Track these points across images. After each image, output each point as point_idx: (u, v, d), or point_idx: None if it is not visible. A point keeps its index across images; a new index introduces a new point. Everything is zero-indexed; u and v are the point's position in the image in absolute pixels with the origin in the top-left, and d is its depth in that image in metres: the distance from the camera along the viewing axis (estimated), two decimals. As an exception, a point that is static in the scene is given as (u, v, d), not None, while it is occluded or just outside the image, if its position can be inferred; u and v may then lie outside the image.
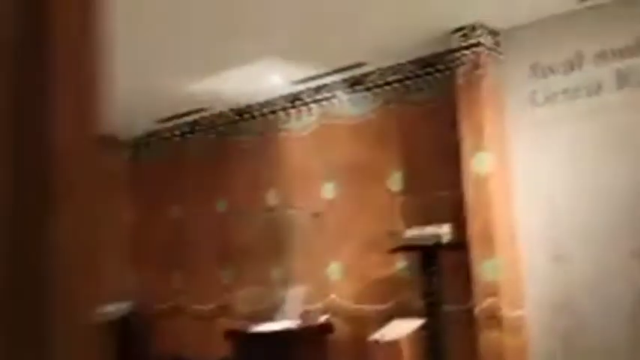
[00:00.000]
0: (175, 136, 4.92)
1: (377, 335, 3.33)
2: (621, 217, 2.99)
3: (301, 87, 4.10)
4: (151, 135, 5.05)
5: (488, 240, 3.19)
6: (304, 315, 3.82)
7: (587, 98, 3.16)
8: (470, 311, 3.25)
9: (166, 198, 4.90)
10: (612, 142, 3.06)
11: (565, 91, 3.23)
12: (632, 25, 3.04)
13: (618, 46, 3.08)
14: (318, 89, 4.12)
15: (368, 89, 3.94)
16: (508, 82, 3.40)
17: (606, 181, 3.05)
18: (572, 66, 3.23)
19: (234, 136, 4.54)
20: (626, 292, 2.95)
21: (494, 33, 3.40)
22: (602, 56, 3.13)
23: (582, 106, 3.17)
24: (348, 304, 3.91)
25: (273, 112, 4.33)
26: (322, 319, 3.84)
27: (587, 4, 3.14)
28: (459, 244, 3.31)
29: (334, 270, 3.97)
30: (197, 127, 4.77)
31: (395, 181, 3.81)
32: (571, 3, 3.16)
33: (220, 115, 4.60)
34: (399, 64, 3.79)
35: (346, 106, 4.03)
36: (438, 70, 3.65)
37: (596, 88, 3.14)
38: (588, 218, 3.08)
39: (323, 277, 4.01)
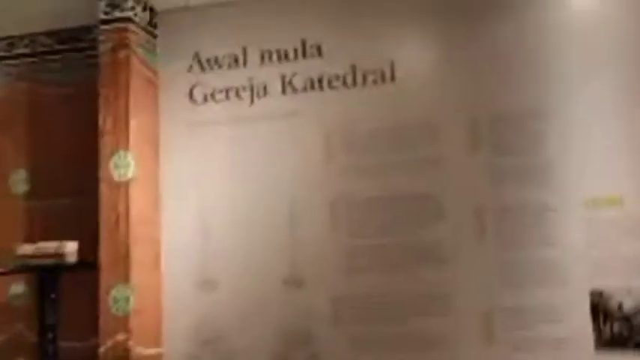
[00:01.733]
0: None
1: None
2: (278, 239, 2.62)
3: None
4: None
5: (123, 261, 2.57)
6: None
7: (252, 100, 2.76)
8: (95, 349, 2.58)
9: None
10: (274, 153, 2.69)
11: (228, 90, 2.79)
12: (297, 27, 2.72)
13: (283, 47, 2.75)
14: None
15: (-8, 60, 3.05)
16: (165, 73, 2.85)
17: (264, 199, 2.65)
18: (236, 62, 2.80)
19: None
20: (276, 326, 2.58)
21: (150, 10, 2.82)
22: (267, 56, 2.76)
23: (245, 109, 2.76)
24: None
25: None
26: None
27: (255, -7, 2.76)
28: (89, 266, 2.63)
29: None
30: None
31: (18, 182, 2.98)
32: (238, -10, 2.76)
33: None
34: (32, 34, 2.99)
35: (-42, 78, 3.07)
36: (80, 48, 2.93)
37: (261, 90, 2.75)
38: (242, 239, 2.65)
39: None
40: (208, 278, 2.66)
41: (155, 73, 2.84)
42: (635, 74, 2.37)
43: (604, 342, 2.26)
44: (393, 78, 2.62)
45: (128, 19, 2.70)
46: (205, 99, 2.81)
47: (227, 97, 2.79)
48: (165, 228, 2.72)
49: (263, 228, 2.63)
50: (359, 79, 2.66)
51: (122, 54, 2.68)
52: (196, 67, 2.84)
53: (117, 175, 2.62)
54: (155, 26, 2.85)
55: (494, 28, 2.52)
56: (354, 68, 2.66)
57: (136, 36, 2.73)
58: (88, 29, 2.87)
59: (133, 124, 2.67)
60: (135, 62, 2.72)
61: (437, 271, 2.45)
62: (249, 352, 2.58)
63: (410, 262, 2.48)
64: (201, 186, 2.72)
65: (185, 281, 2.67)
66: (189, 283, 2.67)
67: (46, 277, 2.65)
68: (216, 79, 2.80)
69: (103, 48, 2.70)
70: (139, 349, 2.55)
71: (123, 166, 2.62)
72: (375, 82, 2.64)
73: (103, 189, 2.63)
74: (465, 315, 2.40)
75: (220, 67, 2.81)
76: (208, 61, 2.83)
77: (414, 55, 2.63)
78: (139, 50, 2.76)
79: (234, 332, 2.60)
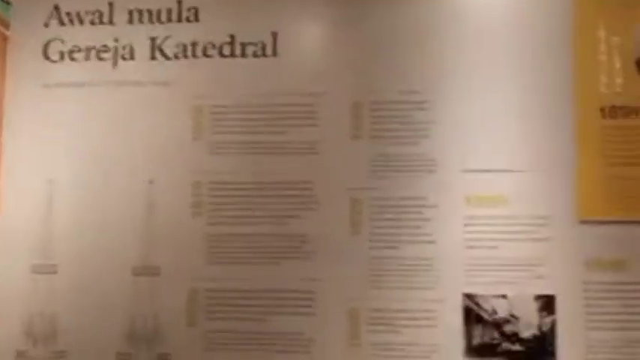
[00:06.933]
0: None
1: None
2: (131, 223, 2.31)
3: None
4: None
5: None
6: None
7: (115, 63, 2.43)
8: None
9: None
10: (136, 125, 2.38)
11: (89, 49, 2.45)
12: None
13: (155, 7, 2.44)
14: None
15: None
16: (17, 25, 2.47)
17: (119, 176, 2.34)
18: (101, 20, 2.47)
19: None
20: (121, 321, 2.27)
21: (2, -50, 2.46)
22: (136, 15, 2.45)
23: (107, 72, 2.42)
24: None
25: None
26: None
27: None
28: None
29: None
30: None
31: None
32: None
33: None
34: None
35: None
36: None
37: (127, 53, 2.43)
38: (91, 219, 2.32)
39: None
40: (48, 262, 2.32)
41: (6, 24, 2.47)
42: (530, 71, 2.23)
43: (473, 349, 2.11)
44: (274, 52, 2.38)
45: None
46: (62, 57, 2.46)
47: (87, 57, 2.45)
48: (2, 200, 2.36)
49: (115, 209, 2.31)
50: (237, 49, 2.39)
51: (-39, -4, 2.31)
52: (54, 22, 2.48)
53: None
54: (8, -31, 2.49)
55: (386, 9, 2.32)
56: (232, 37, 2.40)
57: (-19, -23, 2.36)
58: None
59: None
60: (-22, 8, 2.35)
61: (304, 266, 2.23)
62: (88, 352, 2.26)
63: (276, 254, 2.24)
64: (48, 156, 2.38)
65: (20, 263, 2.31)
66: (25, 266, 2.31)
67: None
68: (76, 36, 2.46)
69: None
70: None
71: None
72: (255, 54, 2.39)
73: None
74: (330, 315, 2.18)
75: (82, 23, 2.47)
76: (69, 15, 2.48)
77: (299, 30, 2.38)
78: (-15, -5, 2.39)
79: (72, 328, 2.27)
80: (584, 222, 2.14)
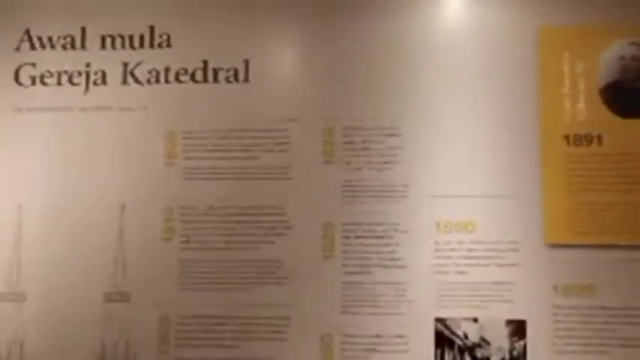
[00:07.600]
0: None
1: None
2: (102, 248, 2.29)
3: None
4: None
5: None
6: None
7: (87, 88, 2.42)
8: None
9: None
10: (107, 150, 2.37)
11: (60, 74, 2.44)
12: (145, 11, 2.43)
13: (128, 33, 2.45)
14: None
15: None
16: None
17: (89, 202, 2.33)
18: (73, 44, 2.47)
19: None
20: (92, 348, 2.25)
21: (-26, -25, 2.44)
22: (109, 40, 2.45)
23: (79, 97, 2.42)
24: None
25: None
26: None
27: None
28: None
29: None
30: None
31: None
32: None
33: None
34: None
35: None
36: None
37: (99, 78, 2.43)
38: (60, 245, 2.30)
39: None
40: (16, 290, 2.29)
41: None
42: (497, 100, 2.28)
43: (445, 374, 2.14)
44: (247, 78, 2.40)
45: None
46: (33, 82, 2.45)
47: (59, 82, 2.44)
48: (-32, 228, 2.33)
49: (86, 234, 2.29)
50: (210, 75, 2.41)
51: None
52: (26, 46, 2.47)
53: None
54: (-12, -6, 2.48)
55: (358, 38, 2.36)
56: (205, 63, 2.42)
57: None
58: None
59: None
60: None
61: (277, 292, 2.24)
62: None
63: (248, 280, 2.25)
64: (17, 181, 2.35)
65: (-9, 292, 2.29)
66: (-5, 293, 2.29)
67: None
68: (47, 61, 2.45)
69: None
70: None
71: None
72: (227, 80, 2.40)
73: None
74: (303, 340, 2.19)
75: (54, 47, 2.47)
76: (40, 39, 2.47)
77: (270, 56, 2.41)
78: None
79: (41, 356, 2.24)
80: (551, 246, 2.19)
